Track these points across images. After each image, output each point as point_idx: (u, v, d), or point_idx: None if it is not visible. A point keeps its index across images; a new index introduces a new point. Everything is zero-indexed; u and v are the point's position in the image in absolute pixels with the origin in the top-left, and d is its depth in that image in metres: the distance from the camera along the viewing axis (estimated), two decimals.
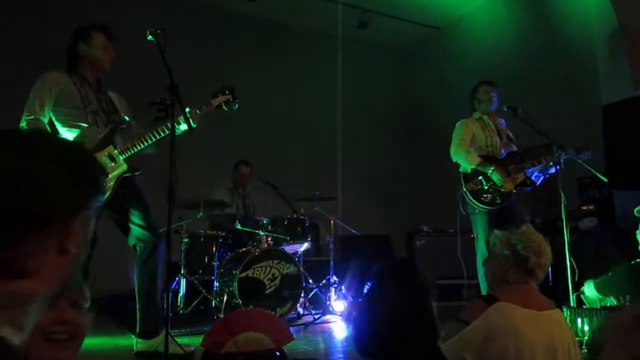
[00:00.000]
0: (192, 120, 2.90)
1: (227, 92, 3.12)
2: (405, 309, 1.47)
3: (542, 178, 3.98)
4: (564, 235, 3.44)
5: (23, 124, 2.77)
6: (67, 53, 2.97)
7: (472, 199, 3.87)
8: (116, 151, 2.88)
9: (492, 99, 4.07)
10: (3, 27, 5.58)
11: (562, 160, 3.68)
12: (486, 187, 3.88)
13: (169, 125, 2.74)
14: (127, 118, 3.07)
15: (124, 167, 2.88)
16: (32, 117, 2.78)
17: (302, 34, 7.55)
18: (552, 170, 3.90)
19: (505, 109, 4.09)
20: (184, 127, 2.91)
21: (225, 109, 3.13)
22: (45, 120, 2.84)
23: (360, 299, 1.70)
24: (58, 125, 2.87)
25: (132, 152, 2.90)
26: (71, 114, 2.85)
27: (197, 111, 2.99)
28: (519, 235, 1.94)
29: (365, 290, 1.65)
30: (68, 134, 2.87)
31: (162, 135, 2.88)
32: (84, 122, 2.86)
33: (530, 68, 6.24)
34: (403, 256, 6.40)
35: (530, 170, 3.91)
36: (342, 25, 7.34)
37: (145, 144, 2.90)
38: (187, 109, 2.88)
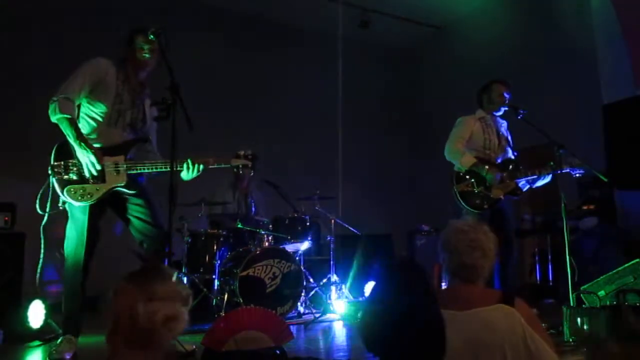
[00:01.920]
0: (194, 170, 2.95)
1: (249, 158, 3.16)
2: (410, 308, 1.45)
3: (527, 187, 3.99)
4: (564, 235, 3.44)
5: (54, 102, 2.76)
6: (124, 48, 2.99)
7: (460, 200, 3.89)
8: (125, 165, 2.88)
9: (505, 102, 4.01)
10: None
11: (555, 174, 3.70)
12: (476, 191, 3.88)
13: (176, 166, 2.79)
14: (150, 138, 3.10)
15: (123, 181, 2.87)
16: (65, 96, 2.77)
17: (302, 33, 7.56)
18: (540, 183, 3.94)
19: (506, 109, 4.09)
20: (184, 174, 2.95)
21: (241, 172, 3.22)
22: (77, 103, 2.84)
23: (366, 298, 1.69)
24: (83, 110, 2.89)
25: (138, 171, 2.91)
26: (98, 105, 2.87)
27: (212, 163, 3.03)
28: (443, 233, 1.88)
29: (369, 290, 1.66)
30: (85, 122, 2.89)
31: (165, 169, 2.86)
32: (103, 117, 2.87)
33: (531, 68, 6.25)
34: (405, 255, 6.41)
35: (520, 180, 3.92)
36: (342, 25, 7.34)
37: (153, 170, 2.91)
38: (192, 165, 2.94)
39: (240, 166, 3.13)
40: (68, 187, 2.76)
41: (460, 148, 3.97)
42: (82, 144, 2.74)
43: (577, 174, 3.79)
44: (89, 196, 2.78)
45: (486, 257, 1.80)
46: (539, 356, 1.61)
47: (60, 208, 2.81)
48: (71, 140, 2.76)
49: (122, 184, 2.87)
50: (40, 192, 2.77)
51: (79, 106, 2.88)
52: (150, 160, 2.95)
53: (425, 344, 1.42)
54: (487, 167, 3.87)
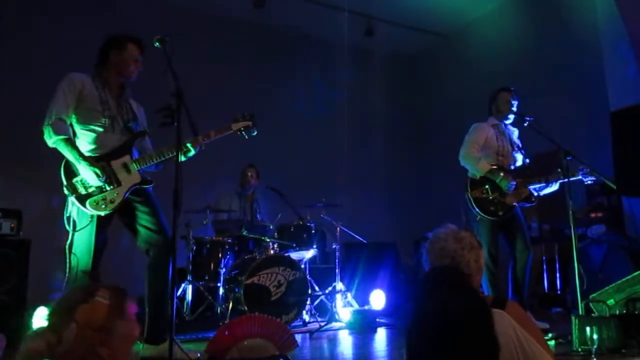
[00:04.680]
0: (195, 147, 2.94)
1: (247, 118, 3.14)
2: (457, 306, 1.46)
3: (536, 194, 3.99)
4: (572, 243, 3.40)
5: (48, 126, 2.76)
6: (98, 56, 3.00)
7: (475, 206, 3.92)
8: (132, 163, 2.89)
9: (511, 109, 4.06)
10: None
11: (565, 181, 3.68)
12: (491, 197, 3.91)
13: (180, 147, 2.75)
14: (147, 130, 3.09)
15: (138, 178, 2.89)
16: (57, 118, 2.78)
17: (308, 41, 7.59)
18: (548, 191, 3.95)
19: (513, 116, 4.09)
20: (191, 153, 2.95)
21: (244, 134, 3.16)
22: (69, 122, 2.85)
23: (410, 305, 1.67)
24: (76, 127, 2.89)
25: (146, 164, 2.91)
26: (89, 117, 2.86)
27: (214, 135, 3.01)
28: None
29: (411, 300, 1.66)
30: (84, 136, 2.88)
31: (172, 155, 2.88)
32: (100, 126, 2.88)
33: (538, 74, 6.22)
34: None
35: (533, 186, 3.94)
36: (348, 32, 7.37)
37: (159, 159, 2.91)
38: (192, 144, 2.93)
39: (243, 128, 3.11)
40: (89, 200, 2.77)
41: (476, 154, 4.00)
42: (84, 161, 2.74)
43: (589, 181, 3.78)
44: (111, 203, 2.80)
45: (458, 264, 1.82)
46: (533, 355, 1.60)
47: (84, 225, 2.77)
48: (72, 160, 2.76)
49: (138, 182, 2.89)
50: (65, 213, 2.78)
51: (72, 125, 2.88)
52: (153, 152, 2.96)
53: (478, 342, 1.43)
54: (502, 174, 3.91)
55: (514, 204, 3.91)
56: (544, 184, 3.92)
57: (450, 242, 1.85)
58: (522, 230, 4.00)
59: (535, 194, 4.00)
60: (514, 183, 3.89)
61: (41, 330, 1.44)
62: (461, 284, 1.65)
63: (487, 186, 3.92)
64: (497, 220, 3.91)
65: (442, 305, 1.52)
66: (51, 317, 1.48)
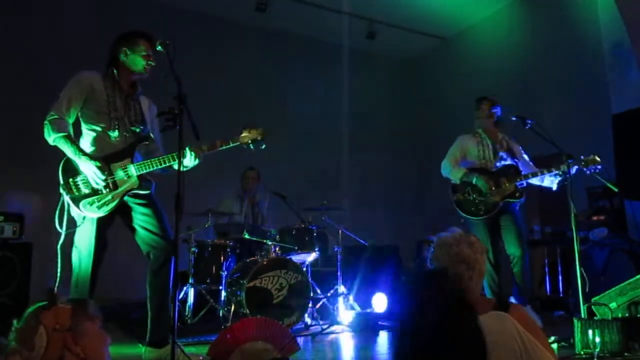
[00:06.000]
0: (197, 156, 2.90)
1: (259, 131, 3.04)
2: (442, 314, 1.44)
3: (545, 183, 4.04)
4: (575, 246, 3.40)
5: (47, 123, 2.78)
6: (109, 55, 2.98)
7: (457, 208, 4.15)
8: (132, 166, 2.88)
9: (491, 116, 4.24)
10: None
11: (570, 172, 3.68)
12: (471, 198, 4.07)
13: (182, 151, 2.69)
14: (152, 135, 3.06)
15: (135, 183, 2.88)
16: (56, 116, 2.79)
17: (309, 44, 7.61)
18: (551, 185, 3.98)
19: (514, 119, 4.10)
20: (191, 162, 2.91)
21: (252, 147, 3.04)
22: (70, 121, 2.85)
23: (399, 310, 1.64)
24: (83, 126, 2.90)
25: (147, 170, 2.89)
26: (95, 117, 2.87)
27: (219, 145, 2.96)
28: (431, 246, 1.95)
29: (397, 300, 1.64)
30: (88, 136, 2.89)
31: (174, 162, 2.83)
32: (105, 127, 2.87)
33: (538, 78, 6.23)
34: (413, 266, 6.36)
35: (523, 182, 4.05)
36: (350, 36, 7.39)
37: (161, 165, 2.88)
38: (197, 154, 2.90)
39: (250, 141, 3.00)
40: (84, 201, 2.77)
41: (454, 164, 4.25)
42: (84, 156, 2.75)
43: (593, 171, 3.78)
44: (105, 206, 2.79)
45: (472, 269, 1.82)
46: (537, 358, 1.59)
47: (79, 225, 2.79)
48: (72, 155, 2.76)
49: (136, 186, 2.87)
50: (57, 212, 2.76)
51: (78, 124, 2.89)
52: (155, 159, 2.92)
53: (459, 343, 1.41)
54: (477, 175, 4.07)
55: (497, 200, 4.03)
56: (536, 177, 4.00)
57: (464, 247, 1.85)
58: (515, 227, 4.08)
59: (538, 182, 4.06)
60: (491, 184, 4.03)
61: (12, 348, 1.43)
62: (445, 286, 1.62)
63: (467, 189, 4.13)
64: (486, 221, 4.01)
65: (420, 306, 1.50)
66: (18, 333, 1.48)
